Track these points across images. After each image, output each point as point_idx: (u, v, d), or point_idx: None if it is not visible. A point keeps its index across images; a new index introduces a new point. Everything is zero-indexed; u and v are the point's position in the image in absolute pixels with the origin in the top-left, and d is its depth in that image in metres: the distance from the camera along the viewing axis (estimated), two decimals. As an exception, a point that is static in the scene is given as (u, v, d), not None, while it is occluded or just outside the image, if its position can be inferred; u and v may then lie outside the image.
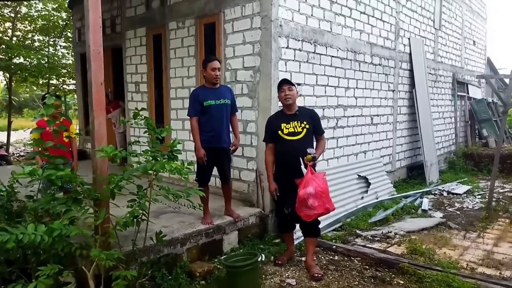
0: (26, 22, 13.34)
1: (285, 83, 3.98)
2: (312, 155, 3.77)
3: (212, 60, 4.26)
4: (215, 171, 4.43)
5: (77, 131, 6.08)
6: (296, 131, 3.92)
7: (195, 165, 4.36)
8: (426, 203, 6.38)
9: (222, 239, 4.35)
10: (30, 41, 13.53)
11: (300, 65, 5.22)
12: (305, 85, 5.31)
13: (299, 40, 5.16)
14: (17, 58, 11.97)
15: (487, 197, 6.28)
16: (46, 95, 3.78)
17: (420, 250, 4.36)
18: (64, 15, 13.57)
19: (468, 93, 11.35)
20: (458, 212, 6.16)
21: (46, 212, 3.00)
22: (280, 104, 4.25)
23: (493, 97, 12.79)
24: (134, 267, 3.23)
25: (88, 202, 3.02)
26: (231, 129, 4.47)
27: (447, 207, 6.45)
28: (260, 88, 4.89)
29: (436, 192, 7.37)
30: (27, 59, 11.91)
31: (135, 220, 3.06)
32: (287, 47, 4.99)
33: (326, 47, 5.67)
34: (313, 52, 5.43)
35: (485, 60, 13.46)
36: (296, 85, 4.10)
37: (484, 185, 8.03)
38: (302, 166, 3.83)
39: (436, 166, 8.44)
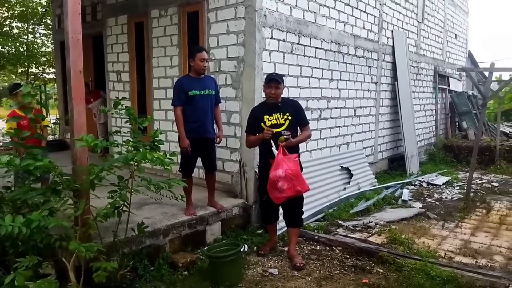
0: (4, 8, 12.91)
1: (273, 81, 3.89)
2: (285, 136, 3.77)
3: (201, 50, 4.26)
4: (198, 162, 4.40)
5: (52, 122, 5.96)
6: (278, 123, 3.91)
7: (179, 156, 4.33)
8: (406, 193, 6.49)
9: (205, 230, 4.35)
10: (8, 28, 13.11)
11: (284, 56, 5.21)
12: (289, 76, 5.29)
13: (283, 31, 5.14)
14: (-6, 45, 11.63)
15: (465, 188, 6.42)
16: (14, 86, 3.70)
17: (399, 240, 4.44)
18: (43, 1, 13.20)
19: (449, 86, 11.53)
20: (437, 203, 6.30)
21: (25, 203, 2.94)
22: (264, 95, 4.23)
23: (473, 90, 13.03)
24: (115, 259, 3.21)
25: (68, 193, 2.97)
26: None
27: (426, 198, 6.58)
28: (244, 79, 4.86)
29: (416, 183, 7.51)
30: (5, 46, 11.57)
31: (116, 211, 3.03)
32: (271, 38, 4.97)
33: (310, 38, 5.66)
34: (297, 43, 5.42)
35: (466, 54, 13.65)
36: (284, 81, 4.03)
37: (463, 176, 8.22)
38: (274, 148, 3.79)
39: (416, 158, 8.59)
